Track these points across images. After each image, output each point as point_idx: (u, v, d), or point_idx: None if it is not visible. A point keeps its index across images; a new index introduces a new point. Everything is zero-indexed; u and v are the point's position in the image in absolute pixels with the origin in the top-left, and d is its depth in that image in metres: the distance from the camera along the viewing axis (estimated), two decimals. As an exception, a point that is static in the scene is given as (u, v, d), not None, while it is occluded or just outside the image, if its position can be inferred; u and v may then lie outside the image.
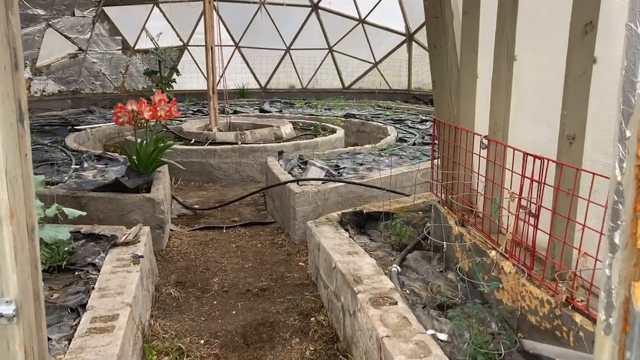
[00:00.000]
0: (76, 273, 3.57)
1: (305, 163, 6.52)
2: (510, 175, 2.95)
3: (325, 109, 12.04)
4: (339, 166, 6.45)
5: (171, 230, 5.73)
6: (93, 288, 3.27)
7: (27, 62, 14.06)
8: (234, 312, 4.03)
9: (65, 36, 14.40)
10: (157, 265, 4.85)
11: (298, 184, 5.48)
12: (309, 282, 4.43)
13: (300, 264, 4.87)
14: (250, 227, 5.91)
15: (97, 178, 6.13)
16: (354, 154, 7.07)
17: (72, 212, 3.03)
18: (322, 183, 5.52)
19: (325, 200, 5.37)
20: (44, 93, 14.45)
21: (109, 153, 7.21)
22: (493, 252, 3.07)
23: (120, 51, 15.21)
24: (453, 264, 3.58)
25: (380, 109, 12.08)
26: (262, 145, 8.01)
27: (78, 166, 6.64)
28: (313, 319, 3.85)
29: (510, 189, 2.92)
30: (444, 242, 3.52)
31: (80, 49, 14.77)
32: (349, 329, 3.32)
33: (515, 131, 3.14)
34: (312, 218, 5.24)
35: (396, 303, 3.01)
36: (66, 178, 6.01)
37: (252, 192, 6.80)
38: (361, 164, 6.55)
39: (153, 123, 5.71)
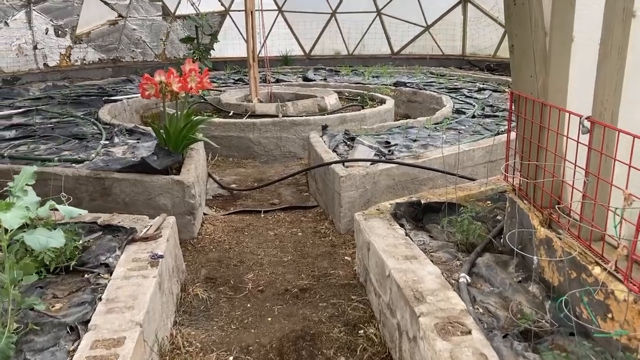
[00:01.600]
0: (86, 276, 3.06)
1: (352, 139, 5.86)
2: (624, 169, 2.24)
3: (373, 77, 11.26)
4: (389, 143, 5.75)
5: (204, 214, 5.21)
6: (100, 299, 2.75)
7: (67, 29, 13.76)
8: (269, 318, 3.47)
9: (105, 2, 13.98)
10: (187, 257, 4.35)
11: (344, 165, 4.84)
12: (356, 283, 3.83)
13: (346, 258, 4.27)
14: (291, 211, 5.33)
15: (127, 155, 5.64)
16: (406, 129, 6.35)
17: (68, 210, 2.49)
18: (371, 164, 4.86)
19: (375, 184, 4.72)
20: (84, 62, 14.15)
21: (141, 127, 6.71)
22: (597, 269, 2.38)
23: (161, 17, 14.70)
24: (536, 273, 2.90)
25: (432, 76, 11.22)
26: (304, 118, 7.37)
27: (108, 141, 6.17)
28: (362, 331, 3.25)
29: (627, 189, 2.20)
30: (535, 257, 2.83)
31: (120, 16, 14.34)
32: (406, 355, 2.71)
33: (630, 111, 2.40)
34: (360, 205, 4.61)
35: (470, 332, 2.37)
36: (93, 155, 5.55)
37: (293, 173, 6.19)
38: (414, 140, 5.84)
39: (183, 96, 5.14)
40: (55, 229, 3.14)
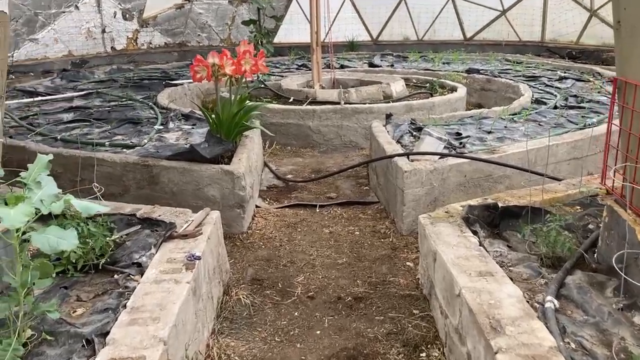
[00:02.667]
0: (115, 276, 2.76)
1: (418, 129, 5.35)
2: None
3: (443, 63, 10.60)
4: (460, 134, 5.21)
5: (257, 206, 4.87)
6: (125, 306, 2.42)
7: (134, 13, 13.82)
8: (318, 331, 3.07)
9: (172, -14, 13.96)
10: (234, 253, 4.02)
11: (408, 158, 4.36)
12: (419, 295, 3.37)
13: (407, 263, 3.81)
14: (348, 207, 4.90)
15: (180, 142, 5.37)
16: (480, 119, 5.77)
17: (85, 206, 2.16)
18: (440, 158, 4.35)
19: (443, 180, 4.22)
20: (150, 45, 14.20)
21: (197, 112, 6.45)
22: None
23: (227, 1, 14.52)
24: (643, 303, 2.36)
25: (508, 63, 10.43)
26: (367, 105, 6.90)
27: (162, 126, 5.93)
28: (424, 354, 2.80)
29: None
30: None
31: None
32: (477, 394, 2.24)
33: None
34: (425, 204, 4.13)
35: (562, 380, 1.88)
36: (145, 140, 5.31)
37: (352, 165, 5.74)
38: (489, 132, 5.27)
39: (238, 79, 4.79)
40: (83, 224, 2.87)
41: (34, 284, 2.14)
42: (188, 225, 3.20)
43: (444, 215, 3.26)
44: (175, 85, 8.96)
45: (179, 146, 5.11)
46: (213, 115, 4.76)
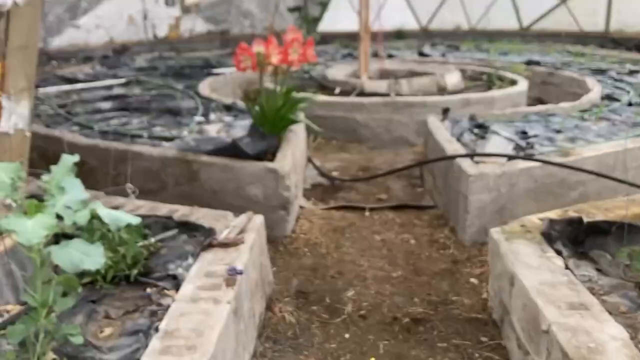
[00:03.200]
0: (148, 290, 2.45)
1: (479, 126, 4.90)
2: None
3: (500, 54, 10.01)
4: (526, 133, 4.73)
5: (300, 207, 4.52)
6: (157, 329, 2.10)
7: None
8: (372, 359, 2.70)
9: (215, -28, 13.69)
10: (277, 260, 3.68)
11: (473, 159, 3.92)
12: (487, 319, 2.95)
13: (471, 280, 3.39)
14: (401, 210, 4.50)
15: (221, 135, 5.05)
16: (547, 116, 5.26)
17: (114, 218, 1.83)
18: (508, 160, 3.90)
19: (512, 186, 3.77)
20: (192, 33, 13.97)
21: (240, 103, 6.12)
22: None
23: (271, -12, 14.19)
24: None
25: (569, 55, 9.77)
26: (420, 98, 6.45)
27: (203, 118, 5.63)
28: (497, 396, 2.40)
29: None
30: None
31: (230, -14, 14.03)
32: None
33: None
34: (491, 212, 3.70)
35: None
36: (185, 133, 5.01)
37: (409, 165, 5.31)
38: (559, 132, 4.77)
39: (284, 69, 4.43)
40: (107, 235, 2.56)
41: (54, 304, 1.83)
42: (229, 232, 2.86)
43: (519, 230, 2.84)
44: (217, 74, 8.69)
45: (220, 140, 4.78)
46: (257, 108, 4.41)
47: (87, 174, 4.91)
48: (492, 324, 2.88)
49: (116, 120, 5.63)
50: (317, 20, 8.53)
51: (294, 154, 4.32)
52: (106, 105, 6.53)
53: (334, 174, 5.45)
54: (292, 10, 7.95)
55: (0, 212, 2.22)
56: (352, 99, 6.65)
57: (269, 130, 4.27)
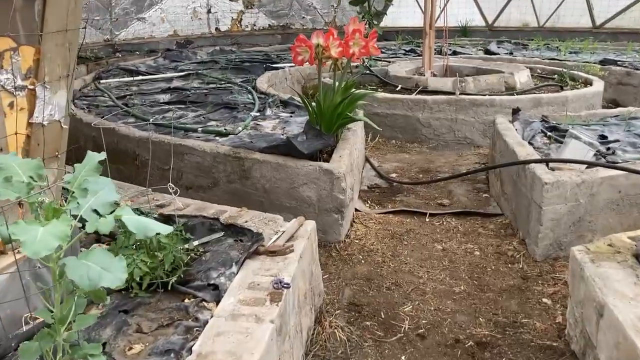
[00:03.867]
0: (186, 301, 2.25)
1: (552, 129, 4.49)
2: None
3: (571, 53, 9.41)
4: (605, 137, 4.30)
5: (356, 210, 4.26)
6: (190, 350, 1.89)
7: (239, -6, 13.60)
8: (430, 387, 2.42)
9: (278, -34, 13.59)
10: (329, 267, 3.44)
11: (548, 166, 3.55)
12: (564, 349, 2.61)
13: (544, 300, 3.04)
14: (465, 217, 4.17)
15: (276, 131, 4.86)
16: (629, 119, 4.79)
17: (143, 227, 1.61)
18: (587, 167, 3.51)
19: (592, 197, 3.38)
20: (254, 27, 13.92)
21: (297, 99, 5.92)
22: None
23: (334, -18, 13.96)
24: None
25: (650, 54, 9.08)
26: (487, 97, 6.06)
27: (259, 113, 5.46)
28: None
29: None
30: None
31: (292, -20, 13.88)
32: None
33: None
34: (567, 224, 3.33)
35: None
36: (240, 128, 4.84)
37: (476, 170, 4.95)
38: (643, 137, 4.31)
39: (344, 63, 4.18)
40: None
41: (73, 321, 1.64)
42: (278, 238, 2.64)
43: (607, 250, 2.48)
44: (276, 68, 8.53)
45: (275, 137, 4.59)
46: (314, 104, 4.18)
47: (140, 167, 4.84)
48: (570, 356, 2.54)
49: (172, 113, 5.54)
50: (381, 14, 8.20)
51: (351, 154, 4.07)
52: (164, 97, 6.48)
53: (393, 175, 5.16)
54: (354, 3, 7.66)
55: (13, 215, 2.07)
56: (415, 96, 6.33)
57: (326, 128, 4.04)
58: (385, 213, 4.27)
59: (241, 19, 13.74)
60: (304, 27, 14.14)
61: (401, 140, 6.23)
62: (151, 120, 5.19)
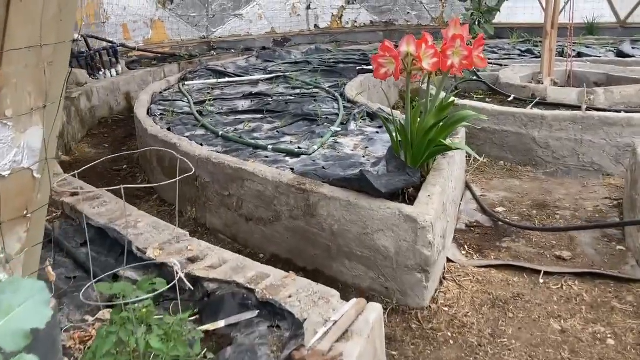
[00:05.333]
0: None
1: None
2: None
3: None
4: None
5: (448, 260, 3.41)
6: None
7: (343, -12, 12.91)
8: None
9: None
10: (405, 347, 2.65)
11: None
12: None
13: None
14: (593, 280, 3.19)
15: (357, 152, 4.11)
16: None
17: None
18: None
19: None
20: (355, 24, 13.20)
21: (387, 110, 5.11)
22: None
23: (443, -26, 12.90)
24: None
25: None
26: (624, 115, 4.90)
27: (340, 128, 4.72)
28: None
29: None
30: None
31: (398, -27, 13.00)
32: None
33: None
34: None
35: None
36: (316, 147, 4.14)
37: (613, 223, 3.88)
38: None
39: (442, 77, 3.33)
40: (144, 326, 1.72)
41: None
42: (324, 335, 1.89)
43: None
44: (371, 71, 7.72)
45: (353, 161, 3.84)
46: (401, 120, 3.36)
47: (200, 190, 4.29)
48: None
49: (244, 125, 4.95)
50: (493, 11, 7.14)
51: (444, 191, 3.22)
52: (244, 104, 5.93)
53: (499, 210, 4.23)
54: (462, -2, 6.68)
55: None
56: (530, 110, 5.30)
57: (412, 159, 3.21)
58: (486, 267, 3.38)
59: (342, 15, 13.06)
60: (408, 24, 13.22)
61: (511, 162, 5.24)
62: (221, 133, 4.62)
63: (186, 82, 7.21)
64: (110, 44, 8.47)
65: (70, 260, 2.69)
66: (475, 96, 6.21)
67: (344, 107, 5.45)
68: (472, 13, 6.40)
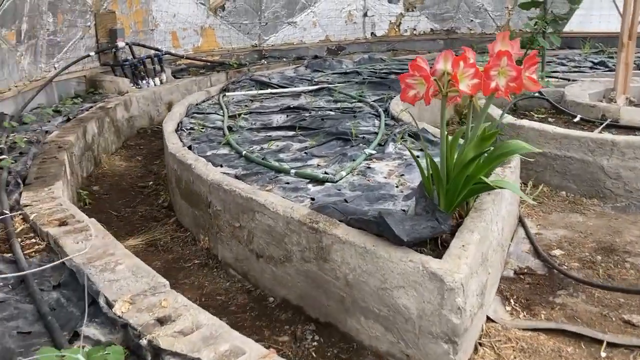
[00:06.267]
0: None
1: None
2: None
3: None
4: None
5: (488, 320, 2.84)
6: None
7: (402, -5, 12.35)
8: None
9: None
10: None
11: None
12: None
13: None
14: (671, 361, 2.55)
15: (390, 181, 3.60)
16: None
17: None
18: None
19: None
20: (414, 31, 12.59)
21: (431, 129, 4.55)
22: None
23: (510, -20, 12.10)
24: None
25: None
26: None
27: (377, 150, 4.22)
28: None
29: None
30: None
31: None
32: None
33: None
34: None
35: None
36: (344, 173, 3.67)
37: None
38: None
39: (484, 102, 2.78)
40: None
41: None
42: None
43: None
44: (423, 83, 7.16)
45: (383, 192, 3.34)
46: (440, 148, 2.83)
47: (212, 217, 3.89)
48: None
49: (274, 143, 4.53)
50: (561, 20, 6.40)
51: (485, 238, 2.66)
52: (279, 119, 5.52)
53: (555, 253, 3.61)
54: (525, 5, 5.98)
55: None
56: (599, 134, 4.62)
57: (446, 201, 2.67)
58: (533, 330, 2.79)
59: (400, 23, 12.50)
60: (471, 32, 12.49)
61: (574, 193, 4.57)
62: (244, 152, 4.22)
63: (227, 93, 6.89)
64: (155, 52, 8.30)
65: (34, 308, 2.33)
66: (536, 115, 5.54)
67: (386, 124, 4.94)
68: (536, 22, 5.71)
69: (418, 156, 4.12)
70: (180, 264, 3.70)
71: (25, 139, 5.00)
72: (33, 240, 2.91)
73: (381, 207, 3.12)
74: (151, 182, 5.28)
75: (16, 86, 6.07)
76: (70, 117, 5.89)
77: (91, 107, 6.44)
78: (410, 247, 2.49)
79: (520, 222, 4.00)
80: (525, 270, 3.42)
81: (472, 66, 2.51)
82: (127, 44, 7.94)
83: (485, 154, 2.72)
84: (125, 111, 6.82)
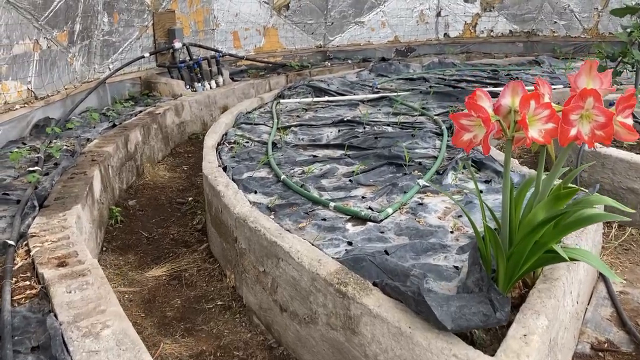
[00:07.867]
0: None
1: None
2: None
3: None
4: None
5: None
6: None
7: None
8: None
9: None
10: None
11: None
12: None
13: None
14: None
15: (446, 222, 3.06)
16: None
17: None
18: None
19: None
20: (491, 33, 11.74)
21: (498, 157, 3.93)
22: None
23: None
24: None
25: None
26: None
27: (431, 182, 3.66)
28: None
29: None
30: None
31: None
32: None
33: None
34: None
35: None
36: (390, 210, 3.15)
37: None
38: None
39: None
40: None
41: None
42: None
43: None
44: (495, 94, 6.47)
45: (434, 241, 2.80)
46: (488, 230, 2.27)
47: (238, 255, 3.45)
48: None
49: (321, 165, 4.07)
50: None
51: (554, 320, 2.08)
52: (329, 133, 5.05)
53: (645, 326, 2.94)
54: (617, 12, 5.10)
55: None
56: None
57: (505, 275, 2.11)
58: None
59: (476, 24, 11.68)
60: (555, 34, 11.50)
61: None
62: (282, 177, 3.78)
63: (281, 100, 6.50)
64: (213, 53, 8.02)
65: (1, 378, 1.98)
66: (625, 142, 4.78)
67: (448, 147, 4.36)
68: (630, 32, 4.89)
69: (487, 184, 3.56)
70: (202, 304, 3.31)
71: (65, 147, 4.79)
72: (27, 282, 2.59)
73: (430, 260, 2.60)
74: (190, 198, 4.94)
75: (66, 88, 5.91)
76: (116, 123, 5.67)
77: (141, 111, 6.22)
78: (455, 333, 1.96)
79: (601, 276, 3.35)
80: (606, 345, 2.78)
81: (547, 107, 1.93)
82: (183, 44, 7.70)
83: (560, 218, 2.13)
84: (176, 116, 6.56)
